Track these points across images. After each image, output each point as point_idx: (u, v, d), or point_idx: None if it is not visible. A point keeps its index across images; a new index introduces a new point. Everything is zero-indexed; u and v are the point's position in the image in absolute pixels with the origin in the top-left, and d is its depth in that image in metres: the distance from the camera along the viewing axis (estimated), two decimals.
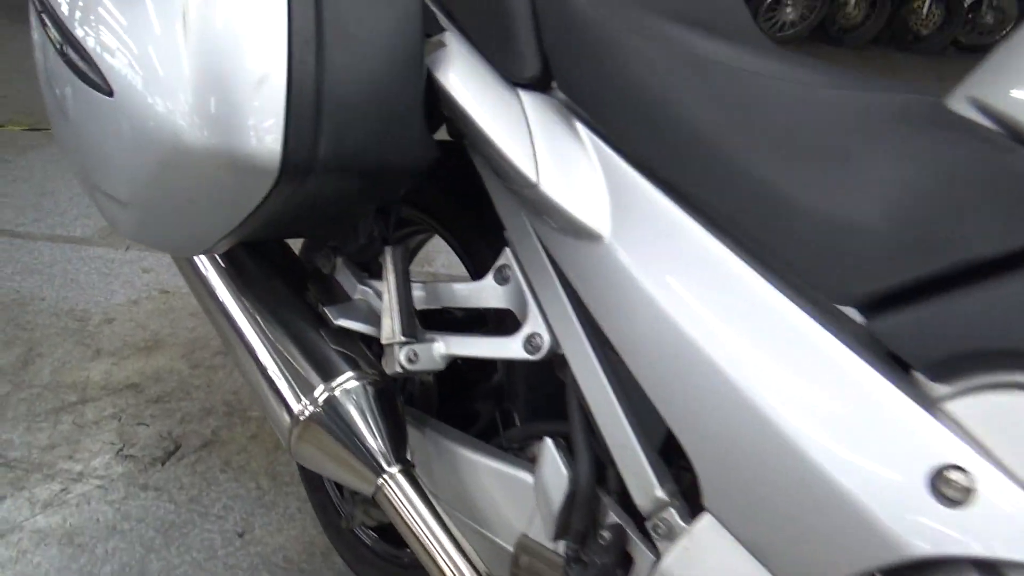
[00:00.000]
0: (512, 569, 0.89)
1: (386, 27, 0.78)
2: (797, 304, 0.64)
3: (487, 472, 0.93)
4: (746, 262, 0.67)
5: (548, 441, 0.83)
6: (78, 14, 0.77)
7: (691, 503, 0.74)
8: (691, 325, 0.68)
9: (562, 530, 0.81)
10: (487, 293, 0.91)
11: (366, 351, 0.96)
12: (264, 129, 0.72)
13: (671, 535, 0.73)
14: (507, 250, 0.89)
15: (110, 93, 0.75)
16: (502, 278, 0.89)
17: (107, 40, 0.74)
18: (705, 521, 0.69)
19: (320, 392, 0.90)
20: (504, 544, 0.91)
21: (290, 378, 0.92)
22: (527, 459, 0.94)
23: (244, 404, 1.87)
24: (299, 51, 0.73)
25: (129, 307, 2.26)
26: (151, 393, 1.89)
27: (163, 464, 1.67)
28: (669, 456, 0.77)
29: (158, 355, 2.04)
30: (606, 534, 0.77)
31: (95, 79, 0.76)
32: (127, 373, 1.96)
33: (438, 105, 0.85)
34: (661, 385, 0.71)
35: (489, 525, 0.93)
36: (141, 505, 1.56)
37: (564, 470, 0.81)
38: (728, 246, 0.69)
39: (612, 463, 0.80)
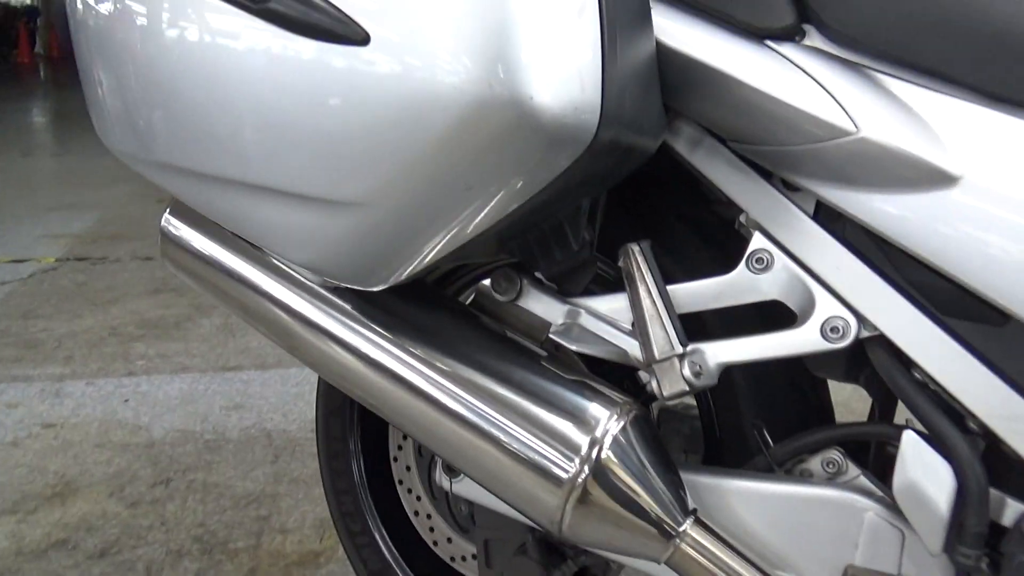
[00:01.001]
0: None
1: None
2: None
3: (781, 503, 0.75)
4: None
5: (913, 436, 0.68)
6: None
7: None
8: None
9: (955, 536, 0.67)
10: (743, 287, 0.76)
11: (604, 381, 0.76)
12: (586, 77, 0.54)
13: None
14: (757, 235, 0.75)
15: (364, 40, 0.53)
16: (760, 266, 0.75)
17: None
18: None
19: (588, 446, 0.69)
20: None
21: (540, 438, 0.70)
22: (803, 477, 0.79)
23: (220, 536, 1.50)
24: None
25: (9, 451, 1.78)
26: (89, 547, 1.46)
27: None
28: None
29: (78, 501, 1.60)
30: None
31: (331, 27, 0.53)
32: (45, 529, 1.51)
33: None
34: None
35: (794, 565, 0.75)
36: None
37: (944, 466, 0.67)
38: None
39: (991, 444, 0.67)
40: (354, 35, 0.53)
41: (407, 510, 1.10)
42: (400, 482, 1.10)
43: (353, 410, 1.11)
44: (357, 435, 1.13)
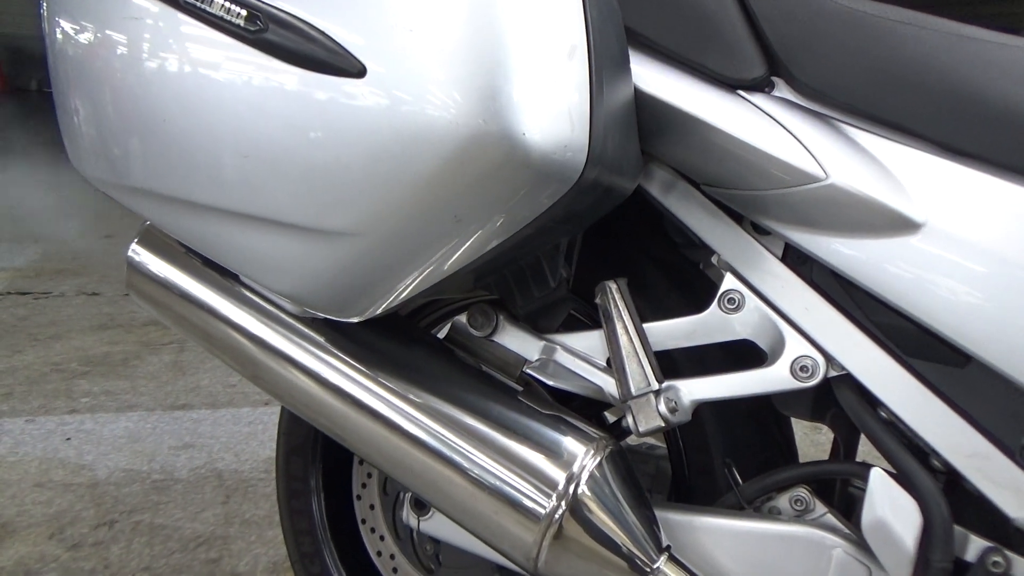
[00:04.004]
0: None
1: (613, 20, 0.66)
2: None
3: (752, 540, 0.76)
4: None
5: (880, 474, 0.70)
6: None
7: None
8: None
9: (921, 572, 0.68)
10: (714, 326, 0.78)
11: (578, 416, 0.76)
12: (576, 116, 0.56)
13: None
14: (728, 276, 0.77)
15: (360, 73, 0.54)
16: (731, 307, 0.77)
17: (355, 5, 0.54)
18: None
19: (566, 481, 0.69)
20: None
21: (517, 473, 0.70)
22: (772, 514, 0.80)
23: None
24: (594, 14, 0.58)
25: None
26: None
27: None
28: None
29: (15, 543, 1.53)
30: (997, 559, 0.66)
31: (327, 59, 0.54)
32: None
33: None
34: None
35: None
36: None
37: (911, 503, 0.68)
38: None
39: (954, 481, 0.69)
40: (350, 67, 0.54)
41: (370, 550, 1.08)
42: (363, 521, 1.08)
43: (316, 448, 1.09)
44: (319, 474, 1.11)
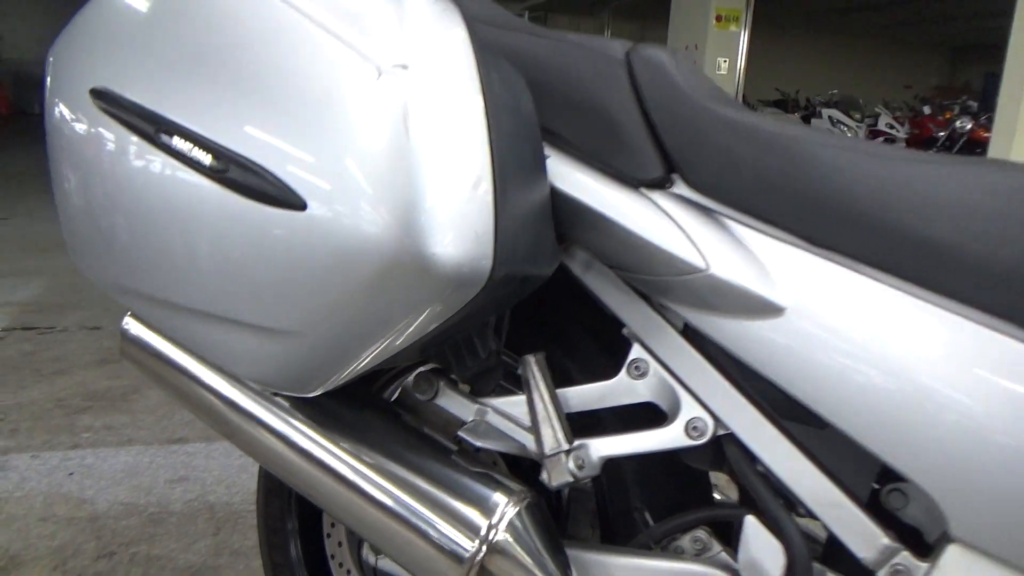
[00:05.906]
0: None
1: (528, 137, 0.80)
2: (993, 328, 0.73)
3: None
4: (929, 302, 0.76)
5: (752, 519, 0.83)
6: (246, 128, 0.68)
7: (915, 542, 0.78)
8: (907, 370, 0.75)
9: None
10: (622, 390, 0.90)
11: (503, 470, 0.89)
12: (481, 234, 0.69)
13: None
14: (635, 345, 0.90)
15: (301, 206, 0.67)
16: (637, 373, 0.90)
17: (297, 148, 0.67)
18: (952, 551, 0.74)
19: (487, 528, 0.81)
20: None
21: (447, 521, 0.82)
22: (676, 553, 0.92)
23: None
24: (499, 148, 0.72)
25: None
26: None
27: None
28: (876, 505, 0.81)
29: (22, 575, 1.65)
30: None
31: (275, 194, 0.67)
32: None
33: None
34: (886, 433, 0.76)
35: None
36: None
37: (777, 545, 0.81)
38: (906, 291, 0.77)
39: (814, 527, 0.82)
40: (294, 201, 0.67)
41: None
42: (332, 556, 1.21)
43: (291, 491, 1.22)
44: (295, 513, 1.24)
